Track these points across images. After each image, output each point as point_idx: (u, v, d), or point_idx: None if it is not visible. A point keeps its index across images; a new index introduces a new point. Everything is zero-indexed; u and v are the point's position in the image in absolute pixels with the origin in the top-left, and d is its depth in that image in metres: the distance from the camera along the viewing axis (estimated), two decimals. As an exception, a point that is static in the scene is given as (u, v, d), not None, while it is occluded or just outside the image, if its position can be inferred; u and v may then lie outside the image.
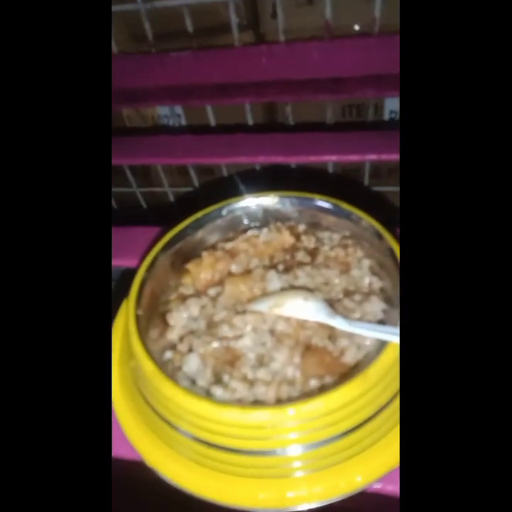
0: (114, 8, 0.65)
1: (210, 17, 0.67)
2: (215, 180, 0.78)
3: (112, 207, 0.85)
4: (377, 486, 0.29)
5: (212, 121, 0.74)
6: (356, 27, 0.65)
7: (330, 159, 0.60)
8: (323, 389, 0.28)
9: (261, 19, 0.67)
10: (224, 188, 0.75)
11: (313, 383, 0.29)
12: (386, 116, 0.73)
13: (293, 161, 0.63)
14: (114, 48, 0.70)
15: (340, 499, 0.27)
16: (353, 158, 0.55)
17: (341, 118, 0.74)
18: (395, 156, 0.56)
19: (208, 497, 0.28)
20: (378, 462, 0.28)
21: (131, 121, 0.80)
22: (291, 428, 0.26)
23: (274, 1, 0.63)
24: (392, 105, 0.72)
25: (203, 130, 0.74)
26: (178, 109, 0.77)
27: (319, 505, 0.27)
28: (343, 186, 0.72)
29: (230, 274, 0.36)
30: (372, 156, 0.54)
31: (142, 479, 0.31)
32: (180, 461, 0.29)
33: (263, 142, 0.60)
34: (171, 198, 0.83)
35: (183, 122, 0.78)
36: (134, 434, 0.31)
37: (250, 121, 0.73)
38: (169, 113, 0.78)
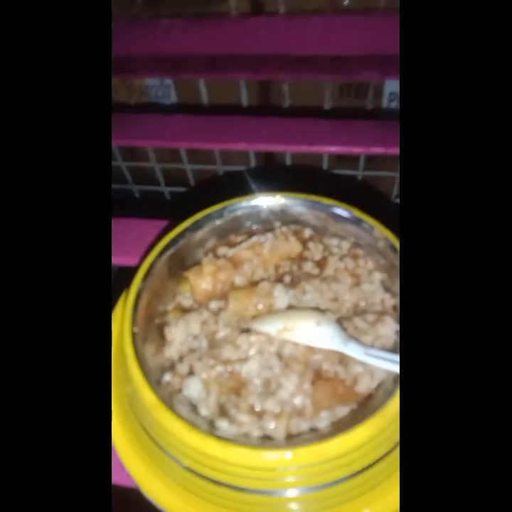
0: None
1: (206, -19, 0.61)
2: (203, 157, 0.74)
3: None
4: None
5: (205, 96, 0.70)
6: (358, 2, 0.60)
7: (330, 150, 0.57)
8: (335, 423, 0.27)
9: (260, -14, 0.62)
10: (216, 171, 0.71)
11: (325, 415, 0.27)
12: (385, 98, 0.70)
13: (292, 150, 0.60)
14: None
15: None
16: (355, 150, 0.52)
17: (339, 97, 0.70)
18: (398, 150, 0.53)
19: None
20: (385, 501, 0.27)
21: (116, 91, 0.75)
22: (300, 470, 0.25)
23: (275, -32, 0.58)
24: (391, 87, 0.69)
25: (195, 108, 0.70)
26: (168, 80, 0.72)
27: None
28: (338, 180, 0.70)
29: (233, 286, 0.33)
30: (376, 149, 0.52)
31: (139, 507, 0.30)
32: (179, 492, 0.28)
33: (260, 128, 0.57)
34: (159, 176, 0.78)
35: (173, 94, 0.73)
36: (130, 459, 0.29)
37: (244, 98, 0.69)
38: (158, 83, 0.73)
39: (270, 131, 0.56)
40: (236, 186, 0.43)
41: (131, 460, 0.29)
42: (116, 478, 0.30)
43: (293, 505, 0.26)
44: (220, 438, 0.25)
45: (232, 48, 0.66)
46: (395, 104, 0.71)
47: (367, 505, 0.27)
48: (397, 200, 0.72)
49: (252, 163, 0.70)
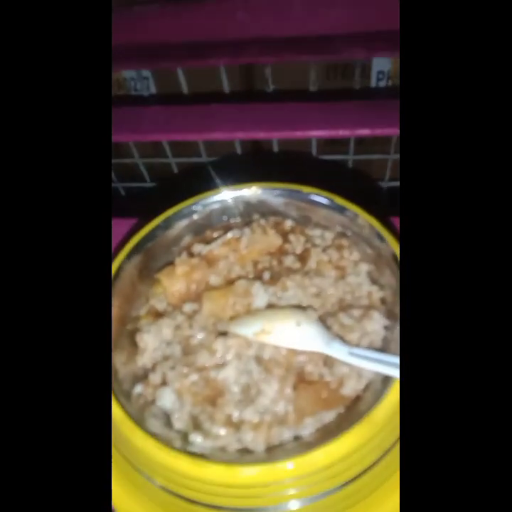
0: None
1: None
2: (186, 148, 0.72)
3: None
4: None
5: (184, 87, 0.67)
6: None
7: (317, 134, 0.54)
8: (320, 431, 0.24)
9: (236, -34, 0.59)
10: (200, 159, 0.69)
11: (309, 422, 0.25)
12: (373, 78, 0.67)
13: (276, 136, 0.58)
14: None
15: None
16: (343, 133, 0.50)
17: (325, 80, 0.67)
18: (388, 130, 0.51)
19: None
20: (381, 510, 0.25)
21: (94, 85, 0.72)
22: (282, 485, 0.23)
23: None
24: (379, 66, 0.66)
25: (174, 98, 0.67)
26: (146, 72, 0.69)
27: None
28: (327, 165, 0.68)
29: (208, 286, 0.31)
30: (364, 131, 0.49)
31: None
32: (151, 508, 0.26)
33: (242, 115, 0.54)
34: (143, 171, 0.76)
35: (152, 86, 0.71)
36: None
37: (226, 86, 0.66)
38: (136, 76, 0.70)
39: (253, 118, 0.54)
40: (223, 176, 0.41)
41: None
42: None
43: None
44: (193, 455, 0.23)
45: (211, 33, 0.63)
46: (384, 83, 0.68)
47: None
48: (390, 184, 0.69)
49: (238, 151, 0.67)
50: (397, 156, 0.68)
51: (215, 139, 0.58)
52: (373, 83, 0.68)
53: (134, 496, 0.26)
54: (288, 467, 0.22)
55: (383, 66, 0.67)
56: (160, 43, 0.65)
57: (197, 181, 0.38)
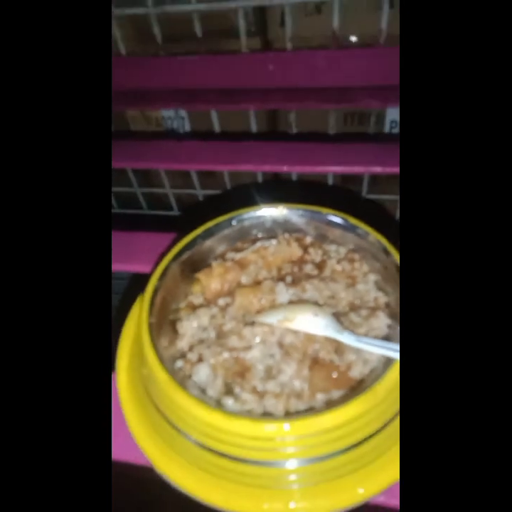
0: (125, 11, 0.65)
1: (219, 22, 0.67)
2: (215, 184, 0.79)
3: (111, 210, 0.86)
4: (380, 500, 0.30)
5: (217, 126, 0.75)
6: (361, 37, 0.65)
7: (333, 170, 0.61)
8: (329, 403, 0.29)
9: (269, 26, 0.68)
10: (226, 194, 0.76)
11: (320, 397, 0.30)
12: (387, 126, 0.75)
13: (297, 170, 0.64)
14: (123, 49, 0.71)
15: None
16: (356, 169, 0.56)
17: (343, 125, 0.75)
18: (397, 169, 0.57)
19: (214, 504, 0.29)
20: (380, 477, 0.29)
21: (135, 122, 0.81)
22: (298, 441, 0.27)
23: (282, 9, 0.64)
24: (393, 115, 0.74)
25: (207, 135, 0.75)
26: (182, 112, 0.77)
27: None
28: (342, 197, 0.74)
29: (239, 285, 0.37)
30: (376, 169, 0.55)
31: (151, 483, 0.32)
32: (188, 468, 0.30)
33: (267, 151, 0.61)
34: (172, 200, 0.83)
35: (187, 125, 0.79)
36: (143, 440, 0.32)
37: (254, 127, 0.74)
38: (173, 115, 0.78)
39: (276, 154, 0.61)
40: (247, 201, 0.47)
41: (144, 441, 0.32)
42: (131, 457, 0.33)
43: (291, 477, 0.29)
44: (225, 412, 0.28)
45: (243, 81, 0.71)
46: (397, 131, 0.75)
47: (361, 482, 0.29)
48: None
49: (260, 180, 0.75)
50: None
51: (242, 170, 0.65)
52: (386, 130, 0.75)
53: (170, 454, 0.31)
54: (301, 425, 0.27)
55: (397, 116, 0.74)
56: (197, 87, 0.73)
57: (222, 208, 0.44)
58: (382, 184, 0.77)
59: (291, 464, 0.28)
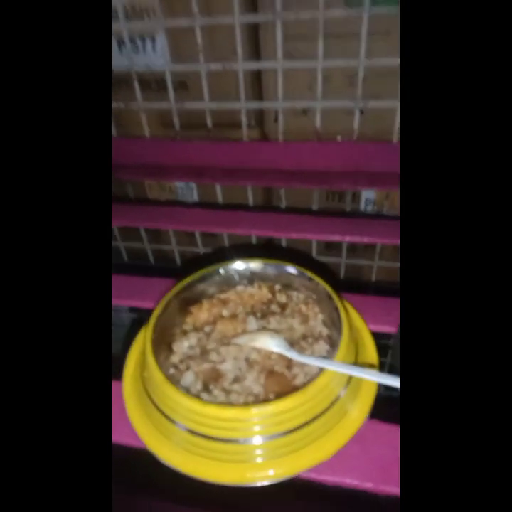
0: (152, 104, 0.82)
1: (226, 116, 0.84)
2: (215, 242, 0.93)
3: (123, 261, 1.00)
4: (312, 475, 0.40)
5: (220, 198, 0.90)
6: (338, 137, 0.81)
7: (314, 237, 0.74)
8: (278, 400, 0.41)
9: (265, 122, 0.84)
10: (223, 251, 0.90)
11: (271, 396, 0.41)
12: (362, 204, 0.89)
13: (284, 236, 0.78)
14: (147, 132, 0.87)
15: (283, 480, 0.39)
16: (333, 238, 0.69)
17: (325, 201, 0.89)
18: (373, 239, 0.70)
19: (199, 476, 0.39)
20: (315, 455, 0.40)
21: (152, 189, 0.96)
22: (253, 422, 0.38)
23: (276, 110, 0.81)
24: (367, 195, 0.88)
25: (212, 205, 0.90)
26: (192, 184, 0.93)
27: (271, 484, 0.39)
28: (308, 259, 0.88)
29: (221, 316, 0.49)
30: (354, 238, 0.68)
31: (146, 462, 0.43)
32: (176, 449, 0.41)
33: (261, 219, 0.75)
34: (177, 256, 0.97)
35: (196, 195, 0.94)
36: (140, 428, 0.43)
37: (251, 201, 0.89)
38: (185, 186, 0.94)
39: (268, 222, 0.74)
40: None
41: (141, 428, 0.43)
42: (129, 441, 0.43)
43: (258, 451, 0.39)
44: (202, 401, 0.39)
45: (243, 163, 0.87)
46: (370, 208, 0.89)
47: (301, 458, 0.39)
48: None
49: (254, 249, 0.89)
50: (381, 263, 0.89)
51: (238, 233, 0.79)
52: (362, 207, 0.89)
53: (161, 439, 0.42)
54: (254, 410, 0.38)
55: (370, 195, 0.88)
56: (206, 166, 0.89)
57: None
58: (359, 251, 0.91)
59: (250, 441, 0.39)
